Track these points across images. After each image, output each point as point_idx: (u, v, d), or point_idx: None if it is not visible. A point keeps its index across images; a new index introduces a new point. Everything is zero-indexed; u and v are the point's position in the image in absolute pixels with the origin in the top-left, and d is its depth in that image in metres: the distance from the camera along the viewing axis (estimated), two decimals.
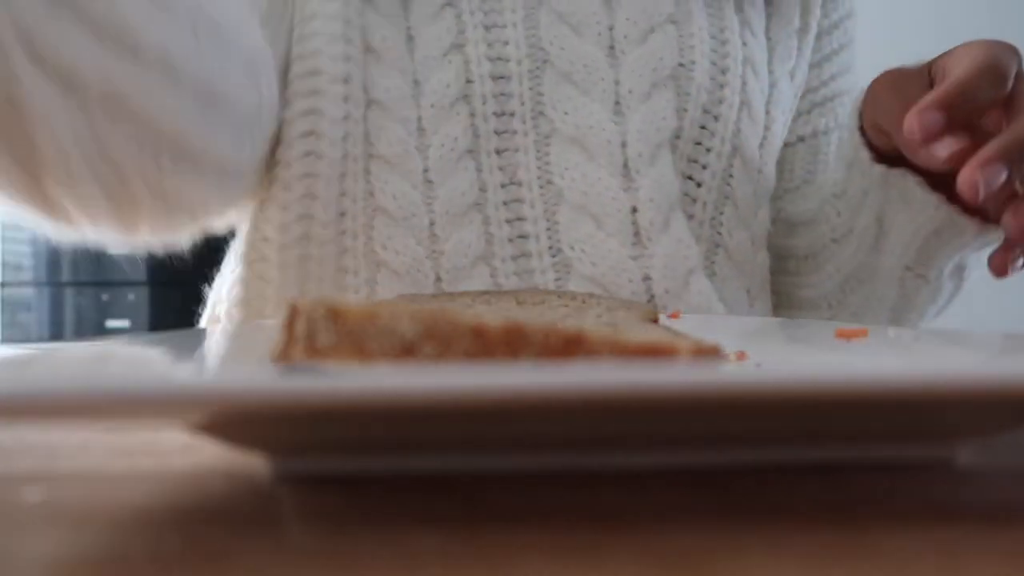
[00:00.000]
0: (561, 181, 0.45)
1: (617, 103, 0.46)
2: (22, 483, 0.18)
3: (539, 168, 0.45)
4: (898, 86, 0.38)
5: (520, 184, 0.45)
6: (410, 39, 0.46)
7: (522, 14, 0.46)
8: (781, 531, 0.15)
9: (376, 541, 0.14)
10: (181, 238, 0.43)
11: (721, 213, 0.48)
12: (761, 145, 0.50)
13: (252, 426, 0.17)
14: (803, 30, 0.53)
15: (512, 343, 0.19)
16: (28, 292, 1.58)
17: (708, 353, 0.21)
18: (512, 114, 0.45)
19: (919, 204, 0.41)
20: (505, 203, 0.45)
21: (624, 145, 0.45)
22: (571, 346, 0.19)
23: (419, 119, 0.45)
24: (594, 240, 0.45)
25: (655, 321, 0.33)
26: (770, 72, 0.51)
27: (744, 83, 0.48)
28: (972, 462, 0.20)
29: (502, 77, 0.45)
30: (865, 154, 0.42)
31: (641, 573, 0.13)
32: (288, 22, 0.46)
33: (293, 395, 0.14)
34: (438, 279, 0.45)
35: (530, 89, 0.45)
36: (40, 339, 1.59)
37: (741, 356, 0.28)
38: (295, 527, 0.15)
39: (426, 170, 0.45)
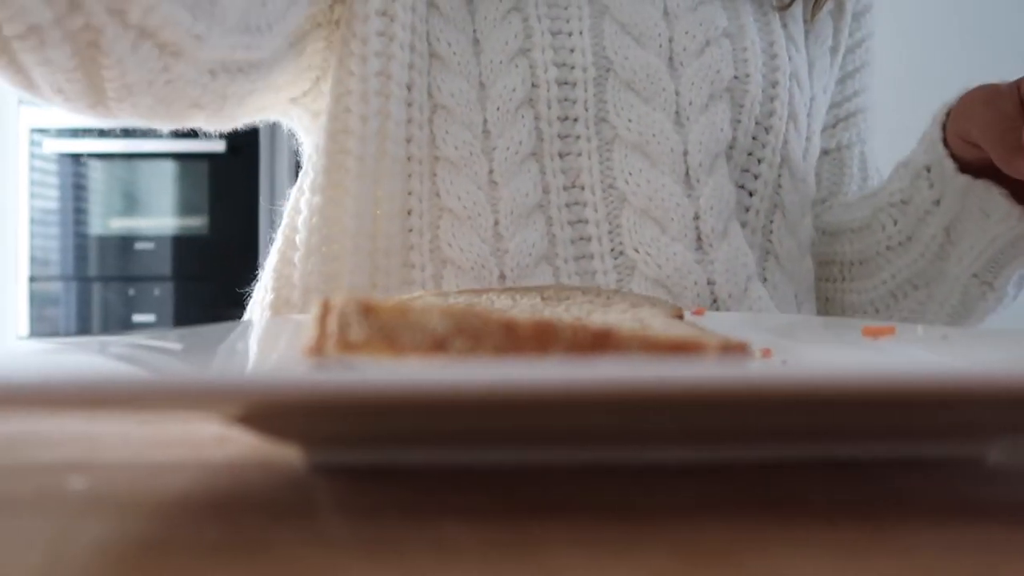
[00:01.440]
0: (625, 186, 0.47)
1: (677, 113, 0.47)
2: (67, 471, 0.19)
3: (601, 172, 0.47)
4: (992, 101, 0.38)
5: (583, 187, 0.47)
6: (476, 43, 0.47)
7: (588, 23, 0.48)
8: (810, 527, 0.15)
9: (412, 530, 0.15)
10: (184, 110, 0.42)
11: (771, 221, 0.50)
12: (804, 156, 0.52)
13: (287, 419, 0.18)
14: (834, 49, 0.55)
15: (542, 338, 0.19)
16: (56, 287, 1.60)
17: (736, 350, 0.21)
18: (576, 119, 0.47)
19: (1001, 215, 0.42)
20: (568, 205, 0.47)
21: (686, 154, 0.47)
22: (600, 342, 0.19)
23: (484, 122, 0.47)
24: (659, 243, 0.46)
25: (680, 318, 0.33)
26: (810, 86, 0.53)
27: (791, 96, 0.50)
28: (1003, 460, 0.20)
29: (567, 83, 0.47)
30: (950, 164, 0.43)
31: (670, 566, 0.13)
32: None
33: (328, 389, 0.14)
34: (502, 276, 0.46)
35: (594, 96, 0.47)
36: (68, 333, 1.62)
37: (766, 353, 0.28)
38: (332, 517, 0.15)
39: (491, 171, 0.47)
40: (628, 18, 0.48)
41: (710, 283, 0.47)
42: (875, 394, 0.15)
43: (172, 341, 0.27)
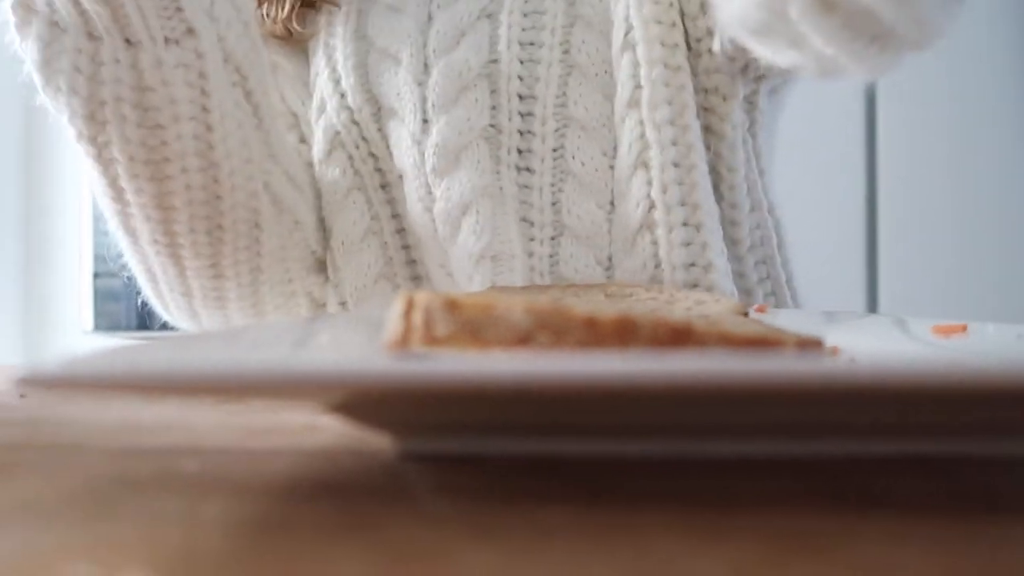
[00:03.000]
0: (413, 210, 0.50)
1: (425, 121, 0.49)
2: (179, 455, 0.20)
3: (407, 199, 0.51)
4: None
5: (400, 215, 0.51)
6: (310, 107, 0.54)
7: (353, 60, 0.51)
8: (901, 521, 0.15)
9: (512, 514, 0.15)
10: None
11: (560, 191, 0.49)
12: (605, 97, 0.49)
13: (382, 407, 0.19)
14: None
15: (622, 334, 0.19)
16: (118, 282, 1.65)
17: (812, 346, 0.21)
18: (375, 156, 0.51)
19: None
20: (397, 231, 0.51)
21: (423, 162, 0.48)
22: (680, 338, 0.20)
23: (312, 176, 0.53)
24: (431, 260, 0.50)
25: (744, 315, 0.33)
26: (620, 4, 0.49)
27: (567, 49, 0.49)
28: None
29: (356, 123, 0.51)
30: None
31: (762, 554, 0.14)
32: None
33: (428, 379, 0.15)
34: (342, 303, 0.51)
35: (378, 131, 0.51)
36: (129, 327, 1.67)
37: (834, 352, 0.28)
38: (432, 500, 0.16)
39: (322, 219, 0.52)
40: (386, 42, 0.50)
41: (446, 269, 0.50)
42: (956, 390, 0.15)
43: (257, 334, 0.28)
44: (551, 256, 0.48)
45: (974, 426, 0.19)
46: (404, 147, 0.49)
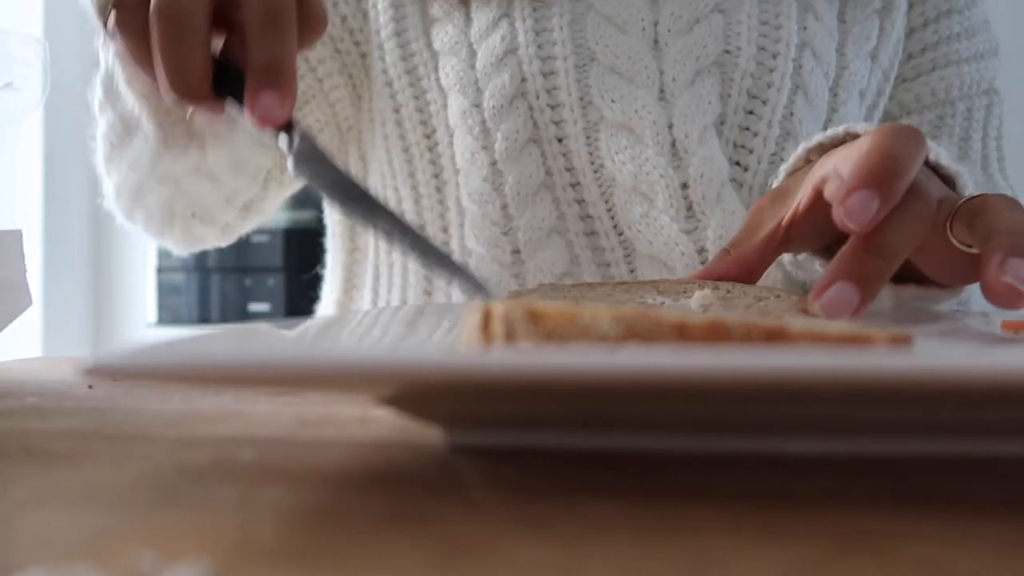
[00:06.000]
0: (612, 165, 0.49)
1: (662, 90, 0.49)
2: (236, 445, 0.20)
3: (589, 154, 0.50)
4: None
5: (576, 170, 0.50)
6: (472, 53, 0.52)
7: (568, 18, 0.51)
8: (968, 521, 0.15)
9: (557, 508, 0.15)
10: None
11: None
12: (825, 128, 0.50)
13: (433, 400, 0.19)
14: (886, 9, 0.54)
15: (714, 339, 0.19)
16: (179, 277, 1.71)
17: (902, 342, 0.20)
18: (562, 105, 0.50)
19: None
20: (571, 185, 0.51)
21: (671, 127, 0.49)
22: (773, 340, 0.19)
23: (483, 122, 0.51)
24: (647, 219, 0.49)
25: (806, 309, 0.32)
26: (841, 55, 0.52)
27: (799, 67, 0.50)
28: None
29: (552, 73, 0.51)
30: None
31: (817, 553, 0.13)
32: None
33: (478, 372, 0.15)
34: (516, 251, 0.51)
35: (577, 82, 0.50)
36: (190, 320, 1.72)
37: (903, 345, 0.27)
38: (483, 493, 0.16)
39: (494, 163, 0.51)
40: (611, 10, 0.51)
41: (700, 251, 0.48)
42: (983, 389, 0.15)
43: (314, 328, 0.28)
44: None
45: None
46: (640, 105, 0.50)
